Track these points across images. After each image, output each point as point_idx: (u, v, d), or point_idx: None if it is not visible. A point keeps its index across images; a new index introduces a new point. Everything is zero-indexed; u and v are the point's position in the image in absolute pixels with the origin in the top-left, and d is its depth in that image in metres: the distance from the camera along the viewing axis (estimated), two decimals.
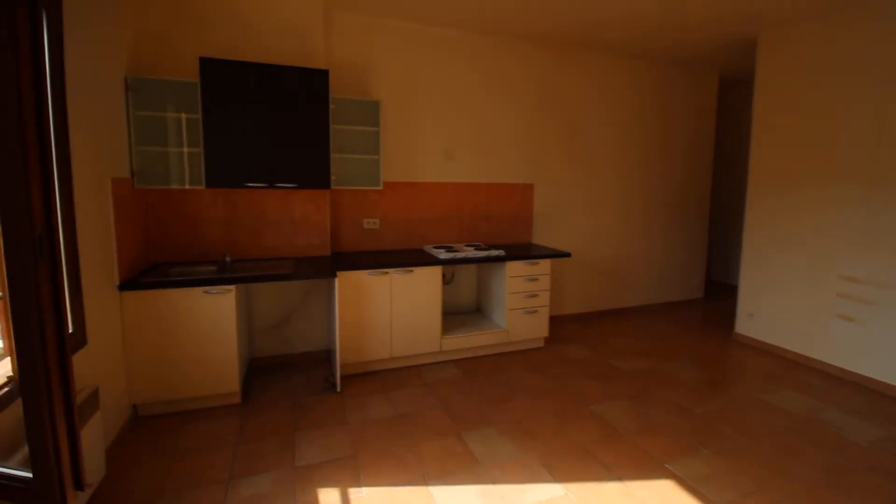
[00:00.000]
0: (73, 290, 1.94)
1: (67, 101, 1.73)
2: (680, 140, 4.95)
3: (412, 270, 3.21)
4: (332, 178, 3.20)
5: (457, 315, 3.93)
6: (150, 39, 2.81)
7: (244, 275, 2.71)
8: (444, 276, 3.83)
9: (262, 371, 3.29)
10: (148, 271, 2.73)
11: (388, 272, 3.14)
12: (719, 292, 5.72)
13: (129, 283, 2.46)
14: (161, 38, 2.84)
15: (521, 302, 3.59)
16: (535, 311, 3.65)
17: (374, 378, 3.19)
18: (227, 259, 2.97)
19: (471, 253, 3.44)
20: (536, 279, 3.62)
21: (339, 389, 2.97)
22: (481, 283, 4.02)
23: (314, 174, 3.01)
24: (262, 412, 2.71)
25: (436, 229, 3.88)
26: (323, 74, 2.93)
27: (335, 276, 2.85)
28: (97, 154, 2.24)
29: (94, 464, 1.90)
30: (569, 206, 4.44)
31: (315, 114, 2.96)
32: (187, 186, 2.88)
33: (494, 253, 3.49)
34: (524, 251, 3.77)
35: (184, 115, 2.81)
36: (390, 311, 3.19)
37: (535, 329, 3.69)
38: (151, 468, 2.16)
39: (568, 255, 3.74)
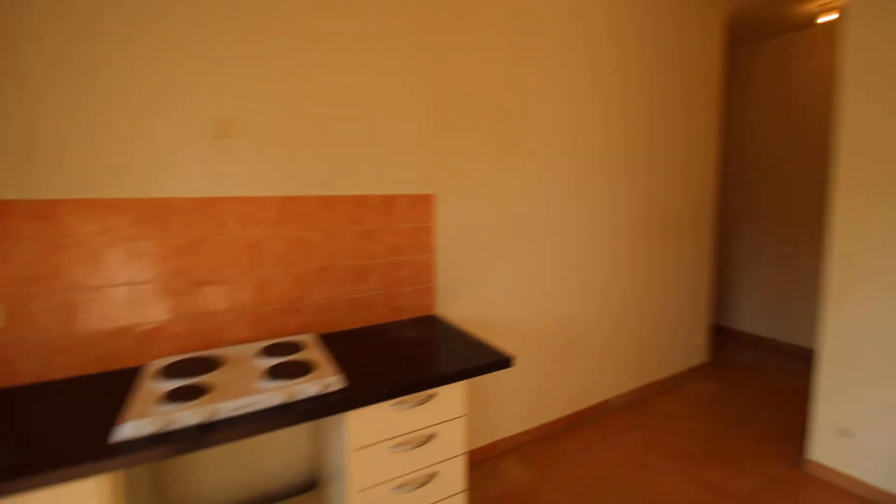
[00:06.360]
0: None
1: None
2: (680, 116, 3.03)
3: None
4: None
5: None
6: None
7: None
8: None
9: None
10: None
11: None
12: (730, 344, 3.95)
13: None
14: None
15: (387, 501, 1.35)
16: None
17: None
18: None
19: (228, 401, 1.13)
20: (430, 438, 1.40)
21: None
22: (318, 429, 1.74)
23: None
24: None
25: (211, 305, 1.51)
26: None
27: None
28: None
29: None
30: (501, 233, 2.30)
31: None
32: None
33: (294, 394, 1.20)
34: (411, 367, 1.54)
35: None
36: None
37: None
38: None
39: (506, 362, 1.56)
